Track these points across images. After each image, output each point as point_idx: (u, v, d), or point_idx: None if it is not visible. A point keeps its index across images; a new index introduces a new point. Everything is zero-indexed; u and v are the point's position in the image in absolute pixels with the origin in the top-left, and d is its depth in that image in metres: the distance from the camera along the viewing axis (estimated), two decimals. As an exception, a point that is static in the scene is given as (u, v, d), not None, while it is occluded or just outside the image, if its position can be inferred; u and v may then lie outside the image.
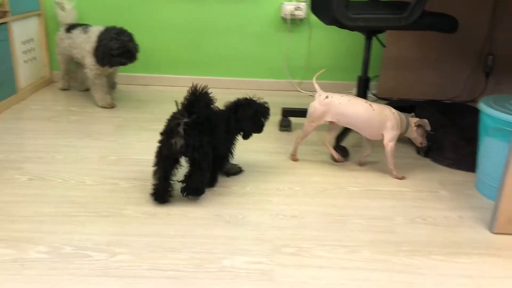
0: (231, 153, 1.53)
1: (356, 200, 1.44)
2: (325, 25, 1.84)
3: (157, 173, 1.34)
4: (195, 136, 1.29)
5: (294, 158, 1.73)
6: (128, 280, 1.04)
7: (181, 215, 1.32)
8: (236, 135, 1.54)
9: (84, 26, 2.21)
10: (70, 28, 2.25)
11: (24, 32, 2.33)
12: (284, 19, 2.55)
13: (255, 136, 1.92)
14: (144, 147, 1.78)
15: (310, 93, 2.65)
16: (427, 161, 1.77)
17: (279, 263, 1.12)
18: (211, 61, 2.64)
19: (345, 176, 1.61)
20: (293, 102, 2.45)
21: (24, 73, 2.34)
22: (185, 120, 1.28)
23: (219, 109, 1.50)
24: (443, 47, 2.47)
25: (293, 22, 2.56)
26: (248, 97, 1.55)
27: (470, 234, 1.28)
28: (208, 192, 1.45)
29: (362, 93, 1.91)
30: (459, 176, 1.65)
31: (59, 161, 1.63)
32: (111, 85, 2.32)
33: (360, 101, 1.63)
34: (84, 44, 2.14)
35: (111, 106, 2.23)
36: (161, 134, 1.34)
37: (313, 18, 2.55)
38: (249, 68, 2.66)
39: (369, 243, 1.22)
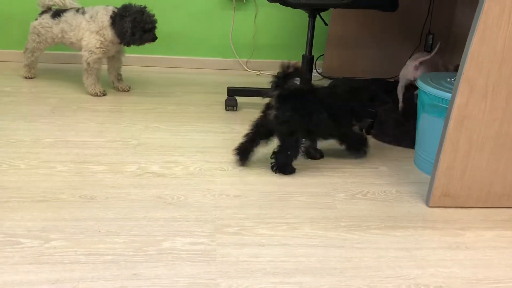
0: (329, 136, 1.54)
1: (298, 178, 1.45)
2: (270, 3, 1.82)
3: (249, 135, 1.47)
4: (285, 111, 1.39)
5: None
6: (62, 266, 1.00)
7: (120, 198, 1.28)
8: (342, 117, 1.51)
9: (75, 9, 2.04)
10: (57, 13, 2.06)
11: None
12: (229, -3, 2.51)
13: (200, 115, 1.90)
14: (83, 128, 1.71)
15: (257, 72, 2.64)
16: (369, 138, 1.81)
17: (220, 243, 1.12)
18: (155, 39, 2.56)
19: (289, 154, 1.62)
20: (240, 81, 2.43)
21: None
22: (277, 93, 1.40)
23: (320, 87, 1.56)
24: (386, 27, 2.51)
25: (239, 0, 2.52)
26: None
27: (407, 208, 1.33)
28: (149, 173, 1.41)
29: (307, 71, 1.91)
30: (399, 152, 1.70)
31: (-11, 144, 1.54)
32: (117, 77, 2.15)
33: None
34: (85, 24, 1.97)
35: (103, 94, 2.07)
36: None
37: (259, -5, 2.52)
38: (194, 47, 2.61)
39: (310, 219, 1.24)
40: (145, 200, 1.28)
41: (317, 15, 1.84)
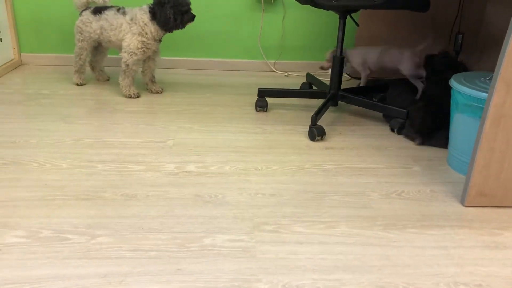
0: None
1: (332, 178, 1.47)
2: (299, 4, 1.84)
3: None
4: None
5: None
6: (109, 261, 1.04)
7: (160, 196, 1.32)
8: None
9: (116, 8, 2.08)
10: (98, 10, 2.10)
11: (-11, 13, 2.25)
12: (258, -1, 2.54)
13: (231, 116, 1.93)
14: (119, 129, 1.77)
15: (285, 73, 2.66)
16: (401, 138, 1.81)
17: (259, 240, 1.14)
18: (183, 42, 2.61)
19: (320, 155, 1.64)
20: (269, 82, 2.46)
21: (-9, 56, 2.27)
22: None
23: None
24: (415, 26, 2.50)
25: (267, 1, 2.55)
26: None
27: (442, 207, 1.33)
28: (186, 173, 1.45)
29: (337, 72, 1.92)
30: (431, 152, 1.70)
31: (32, 145, 1.60)
32: (151, 79, 2.20)
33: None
34: (126, 26, 2.02)
35: (137, 96, 2.12)
36: None
37: (287, -3, 2.54)
38: (223, 49, 2.65)
39: (346, 218, 1.25)
40: (184, 198, 1.32)
41: (348, 16, 1.85)
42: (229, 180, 1.43)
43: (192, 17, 2.05)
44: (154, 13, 1.99)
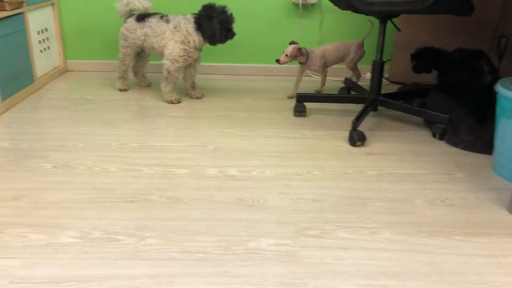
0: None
1: (374, 184, 1.47)
2: (336, 10, 1.84)
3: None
4: None
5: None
6: (158, 262, 1.08)
7: (204, 200, 1.35)
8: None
9: (159, 15, 2.13)
10: (142, 17, 2.15)
11: (39, 22, 2.36)
12: (295, 4, 2.55)
13: (270, 121, 1.95)
14: (162, 134, 1.81)
15: (323, 78, 2.66)
16: (442, 144, 1.79)
17: (303, 245, 1.16)
18: (221, 47, 2.65)
19: (362, 160, 1.63)
20: (305, 87, 2.46)
21: (40, 63, 2.37)
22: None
23: None
24: (456, 30, 2.46)
25: (305, 7, 2.56)
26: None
27: (488, 214, 1.31)
28: (228, 177, 1.48)
29: (377, 77, 1.92)
30: (474, 158, 1.67)
31: (80, 149, 1.66)
32: (192, 85, 2.25)
33: None
34: (169, 34, 2.07)
35: (178, 102, 2.18)
36: None
37: (325, 3, 2.55)
38: (260, 54, 2.67)
39: (390, 224, 1.25)
40: (227, 202, 1.34)
41: (389, 21, 1.85)
42: (270, 185, 1.45)
43: (233, 35, 2.09)
44: (200, 24, 2.03)
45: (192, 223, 1.23)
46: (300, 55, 2.15)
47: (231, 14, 2.06)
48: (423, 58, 2.17)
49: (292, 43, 2.14)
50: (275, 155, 1.66)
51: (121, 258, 1.09)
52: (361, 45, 2.27)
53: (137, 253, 1.11)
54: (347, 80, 2.27)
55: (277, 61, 2.12)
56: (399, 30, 1.87)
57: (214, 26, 2.00)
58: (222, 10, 2.03)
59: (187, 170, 1.52)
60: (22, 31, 2.17)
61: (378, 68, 1.91)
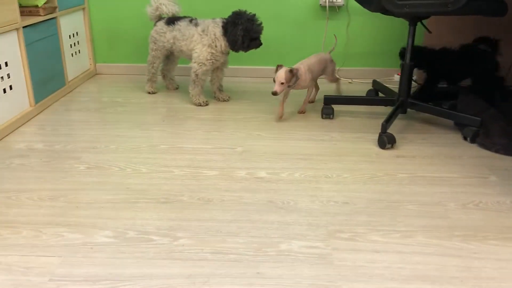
0: None
1: (405, 187, 1.45)
2: (364, 11, 1.83)
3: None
4: None
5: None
6: (192, 262, 1.09)
7: (235, 201, 1.36)
8: None
9: (188, 19, 2.15)
10: (171, 20, 2.19)
11: (70, 26, 2.41)
12: (322, 7, 2.55)
13: (298, 124, 1.95)
14: (191, 136, 1.83)
15: (349, 80, 2.65)
16: (474, 146, 1.76)
17: (335, 247, 1.15)
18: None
19: (392, 163, 1.62)
20: (333, 89, 2.45)
21: (71, 66, 2.42)
22: None
23: None
24: (486, 31, 2.42)
25: (332, 9, 2.56)
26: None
27: (524, 219, 1.28)
28: (258, 179, 1.49)
29: (406, 79, 1.90)
30: (508, 161, 1.64)
31: (112, 150, 1.70)
32: (219, 88, 2.27)
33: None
34: (197, 37, 2.10)
35: (206, 104, 2.20)
36: None
37: (352, 4, 2.54)
38: (287, 56, 2.68)
39: (423, 228, 1.24)
40: (258, 203, 1.35)
41: (419, 23, 1.83)
42: (300, 187, 1.45)
43: (258, 45, 2.09)
44: (226, 29, 2.05)
45: (223, 224, 1.24)
46: (293, 77, 1.89)
47: (259, 24, 2.06)
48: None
49: (279, 66, 1.89)
50: (303, 158, 1.66)
51: (156, 258, 1.11)
52: (331, 58, 2.16)
53: (171, 253, 1.13)
54: (375, 83, 2.26)
55: (274, 93, 1.85)
56: (429, 31, 1.85)
57: (237, 33, 2.02)
58: (250, 19, 2.04)
59: (217, 171, 1.54)
60: (55, 36, 2.22)
61: (407, 70, 1.89)
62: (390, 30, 2.58)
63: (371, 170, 1.56)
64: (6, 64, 1.83)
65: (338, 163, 1.62)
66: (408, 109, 2.03)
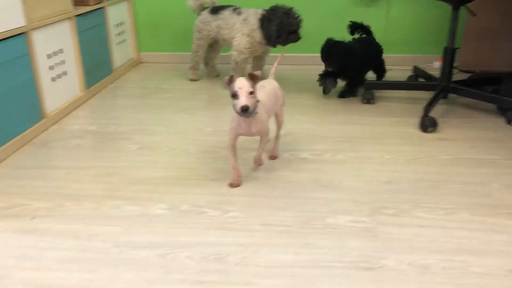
0: None
1: (448, 168, 1.47)
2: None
3: None
4: None
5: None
6: (243, 233, 1.15)
7: (280, 179, 1.41)
8: None
9: (232, 8, 2.21)
10: (216, 9, 2.25)
11: (116, 16, 2.51)
12: (362, -6, 2.56)
13: (339, 108, 1.98)
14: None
15: (389, 67, 2.65)
16: (518, 131, 1.75)
17: (380, 222, 1.19)
18: (289, 39, 2.69)
19: (434, 145, 1.64)
20: (371, 76, 2.46)
21: (117, 55, 2.53)
22: None
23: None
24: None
25: (372, -4, 2.56)
26: None
27: None
28: (301, 159, 1.53)
29: (448, 64, 1.90)
30: (553, 145, 1.63)
31: (161, 132, 1.78)
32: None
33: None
34: (239, 26, 2.15)
35: None
36: None
37: (392, -9, 2.54)
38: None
39: (467, 206, 1.26)
40: (302, 182, 1.40)
41: (462, 7, 1.82)
42: (343, 167, 1.49)
43: (297, 39, 2.10)
44: (263, 23, 2.10)
45: (270, 200, 1.30)
46: (256, 83, 1.27)
47: (297, 17, 2.07)
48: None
49: (230, 79, 1.25)
50: (345, 140, 1.69)
51: (209, 228, 1.17)
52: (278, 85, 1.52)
53: (223, 224, 1.19)
54: (416, 69, 2.26)
55: (245, 109, 1.22)
56: (474, 14, 1.85)
57: (271, 29, 2.05)
58: (286, 13, 2.06)
59: (262, 152, 1.59)
60: (102, 25, 2.32)
61: (449, 55, 1.89)
62: (431, 16, 2.56)
63: (413, 152, 1.59)
64: (61, 50, 1.93)
65: (380, 145, 1.64)
66: (450, 95, 2.03)
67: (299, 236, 1.14)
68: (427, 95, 2.09)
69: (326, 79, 2.15)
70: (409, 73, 2.39)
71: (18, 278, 1.00)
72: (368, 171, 1.46)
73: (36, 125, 1.74)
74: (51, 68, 1.86)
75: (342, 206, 1.27)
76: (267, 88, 1.44)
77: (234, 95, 1.23)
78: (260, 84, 1.39)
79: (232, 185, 1.37)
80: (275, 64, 1.54)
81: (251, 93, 1.22)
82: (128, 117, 1.94)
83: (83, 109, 2.04)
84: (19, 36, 1.63)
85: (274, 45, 2.12)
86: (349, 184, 1.39)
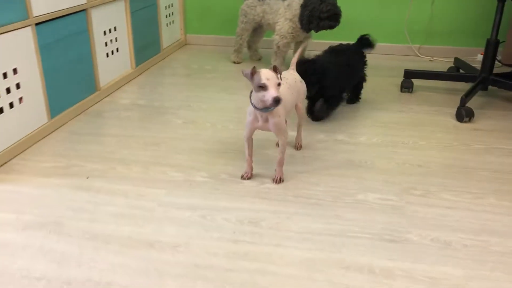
0: None
1: (480, 156, 1.51)
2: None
3: None
4: None
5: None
6: (277, 202, 1.24)
7: (315, 158, 1.49)
8: None
9: None
10: None
11: (167, -2, 2.63)
12: (407, -17, 2.57)
13: (376, 95, 2.02)
14: (275, 101, 1.97)
15: (430, 58, 2.66)
16: (557, 125, 1.75)
17: (408, 201, 1.25)
18: (331, 26, 2.74)
19: (469, 134, 1.67)
20: (412, 66, 2.48)
21: (165, 35, 2.65)
22: None
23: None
24: None
25: (417, -14, 2.57)
26: None
27: None
28: (337, 141, 1.60)
29: (490, 56, 1.91)
30: None
31: (204, 109, 1.88)
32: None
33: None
34: (282, 11, 2.22)
35: None
36: None
37: (439, -19, 2.53)
38: (367, 32, 2.72)
39: (494, 191, 1.30)
40: (336, 161, 1.47)
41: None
42: (377, 150, 1.55)
43: (328, 26, 2.11)
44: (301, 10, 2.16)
45: (304, 175, 1.38)
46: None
47: (330, 3, 2.08)
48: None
49: (253, 70, 1.22)
50: (381, 126, 1.74)
51: (246, 196, 1.27)
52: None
53: (258, 193, 1.28)
54: (457, 60, 2.26)
55: (277, 100, 1.16)
56: (518, 7, 1.84)
57: (304, 14, 2.10)
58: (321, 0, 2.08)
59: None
60: (154, 6, 2.44)
61: (492, 47, 1.90)
62: (476, 8, 2.55)
63: (447, 139, 1.62)
64: (115, 28, 2.06)
65: (414, 131, 1.69)
66: (490, 87, 2.04)
67: (329, 208, 1.22)
68: (467, 86, 2.10)
69: (313, 106, 1.78)
70: (451, 64, 2.40)
71: (75, 227, 1.13)
72: (401, 155, 1.51)
73: (91, 96, 1.88)
74: (106, 44, 1.99)
75: (372, 185, 1.33)
76: (289, 80, 1.39)
77: (262, 87, 1.17)
78: (282, 75, 1.36)
79: (243, 176, 1.36)
80: (296, 55, 1.51)
81: (279, 84, 1.19)
82: (173, 94, 2.06)
83: (132, 84, 2.17)
84: (80, 12, 1.77)
85: (307, 31, 2.17)
86: (381, 165, 1.45)
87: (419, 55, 2.68)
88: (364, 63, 1.90)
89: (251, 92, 1.25)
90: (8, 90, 1.42)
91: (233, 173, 1.38)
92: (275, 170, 1.35)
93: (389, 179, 1.37)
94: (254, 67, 1.22)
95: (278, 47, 2.26)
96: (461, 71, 2.24)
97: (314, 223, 1.15)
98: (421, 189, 1.31)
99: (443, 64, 2.55)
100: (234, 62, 2.54)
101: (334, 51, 1.83)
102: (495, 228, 1.14)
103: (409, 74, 2.08)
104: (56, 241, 1.08)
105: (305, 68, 1.61)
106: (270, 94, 1.16)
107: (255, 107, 1.25)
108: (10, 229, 1.12)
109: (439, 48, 2.66)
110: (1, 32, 1.37)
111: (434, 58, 2.65)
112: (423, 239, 1.09)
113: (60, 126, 1.69)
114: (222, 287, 0.94)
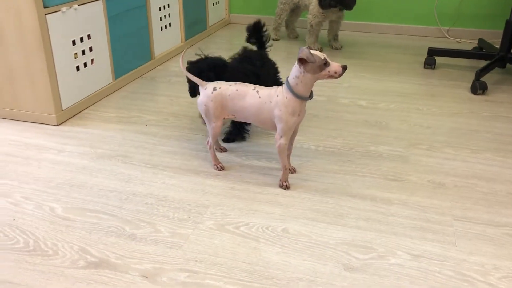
0: None
1: (486, 122, 1.69)
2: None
3: None
4: None
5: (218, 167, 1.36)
6: (300, 149, 1.48)
7: (337, 118, 1.72)
8: None
9: None
10: None
11: (214, -21, 2.89)
12: (439, -32, 2.71)
13: (400, 70, 2.21)
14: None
15: (458, 40, 2.80)
16: None
17: (413, 153, 1.47)
18: (360, 6, 2.92)
19: (480, 105, 1.85)
20: (440, 47, 2.64)
21: (212, 14, 2.91)
22: None
23: None
24: None
25: (448, -30, 2.70)
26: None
27: None
28: (358, 106, 1.83)
29: (508, 36, 2.06)
30: None
31: (244, 77, 2.13)
32: (334, 37, 2.60)
33: (247, 89, 1.26)
34: None
35: (320, 50, 2.54)
36: None
37: (469, -34, 2.66)
38: (397, 14, 2.89)
39: (492, 149, 1.49)
40: (355, 121, 1.69)
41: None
42: (393, 114, 1.76)
43: (346, 5, 2.30)
44: None
45: (325, 130, 1.61)
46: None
47: None
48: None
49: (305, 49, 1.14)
50: (400, 95, 1.95)
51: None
52: None
53: (285, 143, 1.53)
54: (481, 41, 2.41)
55: (345, 67, 1.16)
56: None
57: None
58: None
59: (325, 98, 1.90)
60: (202, -14, 2.71)
61: (511, 27, 2.05)
62: (506, -8, 2.66)
63: (458, 108, 1.81)
64: (169, 5, 2.34)
65: (430, 101, 1.88)
66: (508, 65, 2.18)
67: (344, 155, 1.45)
68: (487, 64, 2.26)
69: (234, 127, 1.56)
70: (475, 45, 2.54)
71: (138, 159, 1.42)
72: (414, 118, 1.72)
73: (146, 64, 2.17)
74: (160, 19, 2.27)
75: (384, 140, 1.55)
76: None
77: (325, 63, 1.13)
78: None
79: (282, 186, 1.28)
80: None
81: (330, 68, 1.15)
82: (217, 64, 2.32)
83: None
84: (140, -10, 2.06)
85: (323, 8, 2.35)
86: (394, 126, 1.66)
87: (448, 37, 2.83)
88: (276, 70, 1.74)
89: (290, 87, 1.17)
90: (83, 52, 1.73)
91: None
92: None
93: (399, 136, 1.58)
94: (309, 46, 1.24)
95: (311, 25, 2.48)
96: (484, 51, 2.39)
97: (329, 165, 1.39)
98: (426, 144, 1.52)
99: (470, 45, 2.69)
100: (273, 39, 2.78)
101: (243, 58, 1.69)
102: (485, 175, 1.34)
103: (432, 52, 2.26)
104: (123, 167, 1.37)
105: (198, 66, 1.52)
106: (336, 65, 1.15)
107: (302, 97, 1.17)
108: (87, 157, 1.42)
109: (468, 30, 2.80)
110: (80, 3, 1.67)
111: (462, 40, 2.79)
112: (421, 180, 1.32)
113: (122, 87, 1.99)
114: (252, 204, 1.21)
